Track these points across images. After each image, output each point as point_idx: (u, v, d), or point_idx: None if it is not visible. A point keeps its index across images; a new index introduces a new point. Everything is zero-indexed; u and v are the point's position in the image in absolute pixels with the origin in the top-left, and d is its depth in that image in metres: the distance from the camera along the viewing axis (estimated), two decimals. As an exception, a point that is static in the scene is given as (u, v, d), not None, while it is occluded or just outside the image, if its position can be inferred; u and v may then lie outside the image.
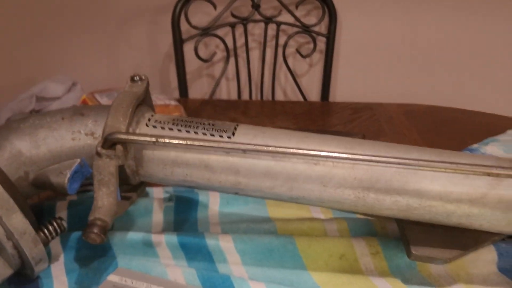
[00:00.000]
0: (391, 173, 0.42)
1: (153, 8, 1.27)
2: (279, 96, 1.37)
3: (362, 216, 0.56)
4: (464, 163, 0.38)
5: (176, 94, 1.28)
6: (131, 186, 0.49)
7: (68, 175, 0.43)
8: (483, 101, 1.29)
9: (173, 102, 0.76)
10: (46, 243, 0.43)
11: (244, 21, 1.20)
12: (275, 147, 0.41)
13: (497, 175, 0.38)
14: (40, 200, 0.59)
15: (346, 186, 0.42)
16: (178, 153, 0.44)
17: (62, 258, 0.49)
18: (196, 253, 0.50)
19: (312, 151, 0.41)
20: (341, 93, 1.36)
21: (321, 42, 1.26)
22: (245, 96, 1.32)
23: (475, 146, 0.79)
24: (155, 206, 0.58)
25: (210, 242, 0.50)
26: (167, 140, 0.41)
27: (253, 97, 1.32)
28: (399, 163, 0.40)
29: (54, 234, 0.44)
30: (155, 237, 0.51)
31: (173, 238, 0.50)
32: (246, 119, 0.95)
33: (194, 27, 1.16)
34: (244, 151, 0.40)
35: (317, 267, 0.49)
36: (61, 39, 1.32)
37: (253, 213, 0.59)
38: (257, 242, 0.50)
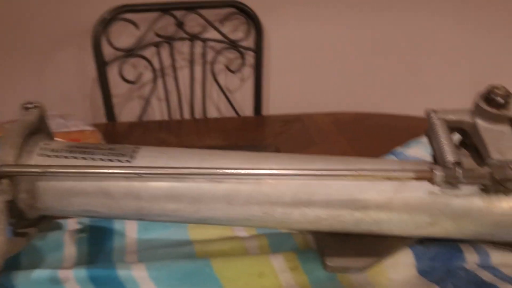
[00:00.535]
0: (297, 185, 0.41)
1: (80, 31, 1.23)
2: (213, 113, 1.36)
3: (284, 230, 0.55)
4: (365, 169, 0.38)
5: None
6: (31, 220, 0.45)
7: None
8: (410, 105, 1.32)
9: (89, 128, 0.73)
10: None
11: (169, 40, 1.19)
12: (174, 168, 0.39)
13: (397, 179, 0.38)
14: None
15: (253, 203, 0.41)
16: (74, 183, 0.41)
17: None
18: (107, 286, 0.47)
19: (213, 169, 0.39)
20: (274, 106, 1.36)
21: (251, 57, 1.26)
22: (176, 115, 1.29)
23: (399, 149, 0.79)
24: (66, 239, 0.54)
25: (121, 272, 0.48)
26: (56, 170, 0.38)
27: (185, 116, 1.29)
28: (301, 175, 0.39)
29: None
30: (62, 273, 0.47)
31: (82, 272, 0.47)
32: (175, 139, 0.93)
33: (117, 49, 1.13)
34: (139, 174, 0.38)
35: (236, 287, 0.48)
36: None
37: (173, 237, 0.56)
38: (172, 268, 0.48)
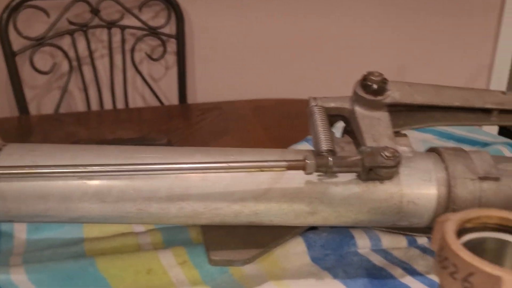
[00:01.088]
0: (171, 179, 0.39)
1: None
2: (138, 103, 1.32)
3: (179, 224, 0.53)
4: (238, 161, 0.37)
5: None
6: None
7: None
8: (330, 91, 1.33)
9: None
10: None
11: (84, 28, 1.14)
12: (39, 166, 0.37)
13: (271, 170, 0.37)
14: None
15: (126, 199, 0.39)
16: None
17: None
18: (-17, 293, 0.44)
19: (81, 166, 0.37)
20: (201, 93, 1.34)
21: (174, 44, 1.23)
22: (96, 106, 1.25)
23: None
24: None
25: (0, 277, 0.45)
26: None
27: (107, 107, 1.25)
28: (175, 169, 0.37)
29: None
30: None
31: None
32: (86, 132, 0.89)
33: (27, 38, 1.08)
34: (-5, 175, 0.36)
35: (124, 286, 0.46)
36: None
37: (66, 235, 0.54)
38: (54, 270, 0.46)
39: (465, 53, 1.41)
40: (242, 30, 1.29)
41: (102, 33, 1.20)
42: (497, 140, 0.79)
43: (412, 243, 0.51)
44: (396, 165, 0.38)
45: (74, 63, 1.18)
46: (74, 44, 1.14)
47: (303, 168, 0.37)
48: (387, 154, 0.38)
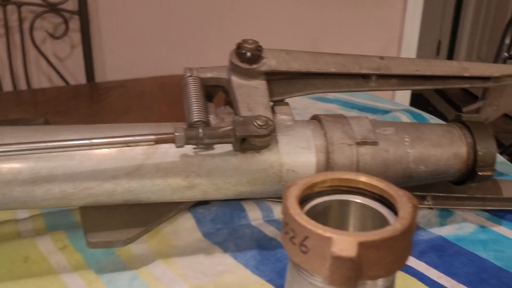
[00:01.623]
0: (34, 160, 0.37)
1: None
2: (44, 83, 1.25)
3: (63, 207, 0.51)
4: (101, 137, 0.35)
5: None
6: None
7: None
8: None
9: None
10: None
11: (-27, 4, 1.05)
12: None
13: (138, 145, 0.35)
14: None
15: (-17, 184, 0.36)
16: None
17: None
18: None
19: None
20: (110, 71, 1.28)
21: (77, 21, 1.17)
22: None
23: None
24: None
25: None
26: None
27: (6, 89, 1.17)
28: (34, 149, 0.34)
29: None
30: None
31: None
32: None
33: None
34: None
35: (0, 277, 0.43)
36: None
37: None
38: None
39: (375, 25, 1.44)
40: (148, 5, 1.24)
41: (-3, 11, 1.12)
42: (397, 107, 0.81)
43: (303, 212, 0.51)
44: (269, 134, 0.37)
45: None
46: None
47: (172, 140, 0.36)
48: (259, 123, 0.37)
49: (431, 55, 3.16)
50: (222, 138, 0.37)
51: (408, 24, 1.44)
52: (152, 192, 0.39)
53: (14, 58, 1.15)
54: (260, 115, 0.37)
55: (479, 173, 0.45)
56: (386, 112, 0.79)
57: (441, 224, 0.50)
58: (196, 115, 0.37)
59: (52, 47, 1.21)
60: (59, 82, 1.25)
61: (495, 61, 0.79)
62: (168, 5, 1.25)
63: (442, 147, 0.44)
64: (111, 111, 0.82)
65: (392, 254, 0.22)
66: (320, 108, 0.83)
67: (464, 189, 0.50)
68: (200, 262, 0.45)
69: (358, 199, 0.26)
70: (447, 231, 0.49)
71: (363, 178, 0.26)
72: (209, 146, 0.39)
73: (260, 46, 0.41)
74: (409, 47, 1.48)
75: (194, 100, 0.38)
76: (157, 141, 0.35)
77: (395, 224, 0.22)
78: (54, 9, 1.12)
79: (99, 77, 1.23)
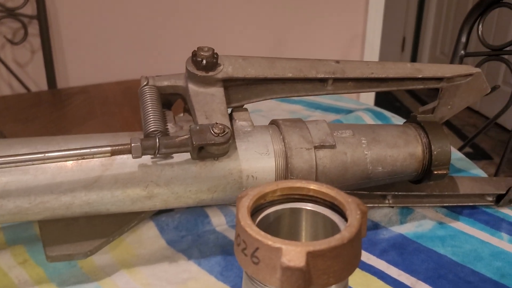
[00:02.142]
0: (-13, 175, 0.36)
1: None
2: (4, 91, 1.22)
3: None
4: (55, 151, 0.34)
5: None
6: None
7: None
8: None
9: None
10: None
11: None
12: None
13: (93, 157, 0.35)
14: None
15: None
16: None
17: None
18: None
19: None
20: (72, 77, 1.26)
21: (37, 26, 1.14)
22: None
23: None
24: None
25: None
26: None
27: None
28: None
29: None
30: None
31: None
32: None
33: None
34: None
35: (-43, 295, 0.42)
36: None
37: None
38: None
39: (338, 24, 1.46)
40: (108, 8, 1.22)
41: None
42: (360, 106, 0.82)
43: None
44: (227, 142, 0.37)
45: None
46: None
47: (129, 151, 0.35)
48: (216, 131, 0.37)
49: (397, 52, 3.22)
50: (179, 148, 0.37)
51: (371, 23, 1.46)
52: (112, 204, 0.39)
53: (-28, 65, 1.12)
54: (217, 123, 0.37)
55: (435, 172, 0.46)
56: (349, 111, 0.80)
57: (402, 222, 0.51)
58: (152, 125, 0.37)
59: (12, 53, 1.19)
60: (20, 89, 1.23)
61: (453, 59, 0.81)
62: (129, 8, 1.24)
63: (398, 147, 0.45)
64: (73, 117, 0.80)
65: (341, 261, 0.22)
66: (285, 109, 0.84)
67: (423, 187, 0.51)
68: (164, 270, 0.45)
69: (309, 206, 0.26)
70: (407, 228, 0.50)
71: (313, 186, 0.26)
72: (168, 155, 0.39)
73: (216, 53, 0.41)
74: (373, 46, 1.50)
75: (151, 109, 0.38)
76: (113, 153, 0.35)
77: (343, 232, 0.22)
78: (12, 14, 1.09)
79: (61, 83, 1.21)
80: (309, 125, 0.44)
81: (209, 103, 0.40)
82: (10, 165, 0.33)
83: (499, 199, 0.52)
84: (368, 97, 1.62)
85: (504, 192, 0.52)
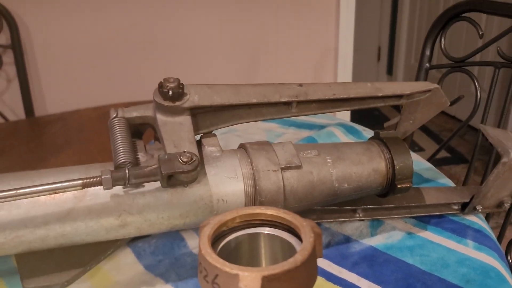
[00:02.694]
0: (-39, 214, 0.37)
1: None
2: (-19, 121, 1.22)
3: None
4: (26, 187, 0.35)
5: None
6: None
7: None
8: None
9: None
10: None
11: None
12: None
13: (64, 191, 0.36)
14: None
15: None
16: None
17: None
18: None
19: None
20: (50, 104, 1.27)
21: (12, 54, 1.15)
22: None
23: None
24: None
25: None
26: None
27: None
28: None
29: None
30: None
31: None
32: None
33: None
34: None
35: None
36: None
37: None
38: None
39: (311, 39, 1.49)
40: (83, 35, 1.24)
41: None
42: (332, 121, 0.84)
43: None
44: (194, 169, 0.39)
45: None
46: None
47: (99, 183, 0.37)
48: (183, 159, 0.38)
49: (373, 61, 3.28)
50: (149, 177, 0.38)
51: (342, 36, 1.50)
52: (86, 234, 0.40)
53: None
54: (184, 151, 0.39)
55: (399, 186, 0.48)
56: (322, 127, 0.82)
57: (372, 235, 0.53)
58: (122, 157, 0.39)
59: (-12, 82, 1.19)
60: (-2, 118, 1.23)
61: (418, 72, 0.84)
62: (104, 33, 1.25)
63: (362, 164, 0.47)
64: (51, 146, 0.81)
65: (296, 283, 0.24)
66: (260, 127, 0.86)
67: (391, 199, 0.54)
68: (142, 296, 0.46)
69: (267, 230, 0.28)
70: (377, 240, 0.52)
71: (271, 211, 0.28)
72: (139, 185, 0.40)
73: (182, 84, 0.42)
74: (345, 58, 1.54)
75: (120, 141, 0.40)
76: (84, 186, 0.36)
77: (297, 256, 0.24)
78: (-14, 44, 1.10)
79: (40, 111, 1.21)
80: (276, 147, 0.46)
81: (177, 131, 0.42)
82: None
83: (464, 207, 0.55)
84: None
85: (468, 200, 0.54)
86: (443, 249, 0.50)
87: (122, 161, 0.38)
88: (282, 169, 0.44)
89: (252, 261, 0.28)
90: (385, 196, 0.51)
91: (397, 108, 0.53)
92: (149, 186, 0.41)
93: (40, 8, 1.16)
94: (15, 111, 1.23)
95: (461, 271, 0.47)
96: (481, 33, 0.76)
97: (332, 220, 0.53)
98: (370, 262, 0.49)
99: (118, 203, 0.40)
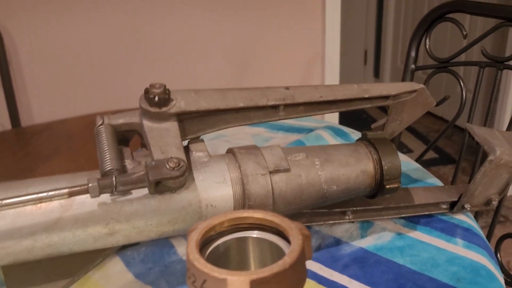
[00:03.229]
0: None
1: None
2: (-33, 133, 1.21)
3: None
4: (11, 197, 0.35)
5: None
6: None
7: None
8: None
9: None
10: None
11: None
12: None
13: (50, 200, 0.36)
14: None
15: None
16: None
17: None
18: None
19: None
20: (37, 114, 1.26)
21: (-3, 65, 1.14)
22: None
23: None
24: None
25: None
26: None
27: None
28: None
29: None
30: None
31: None
32: None
33: None
34: None
35: None
36: None
37: None
38: None
39: (298, 44, 1.49)
40: (69, 43, 1.23)
41: None
42: (320, 124, 0.85)
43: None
44: (182, 175, 0.38)
45: None
46: None
47: (86, 192, 0.36)
48: (171, 165, 0.38)
49: (359, 65, 3.30)
50: (136, 184, 0.38)
51: (329, 40, 1.50)
52: (74, 243, 0.40)
53: None
54: (171, 157, 0.39)
55: (387, 186, 0.48)
56: (310, 130, 0.82)
57: (362, 236, 0.53)
58: (109, 164, 0.38)
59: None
60: (-16, 129, 1.22)
61: (404, 73, 0.85)
62: (90, 41, 1.25)
63: (350, 165, 0.47)
64: (38, 156, 0.80)
65: (284, 286, 0.24)
66: (248, 132, 0.86)
67: (380, 200, 0.54)
68: (132, 304, 0.45)
69: (256, 234, 0.28)
70: (368, 242, 0.52)
71: (258, 215, 0.27)
72: (126, 192, 0.40)
73: (168, 89, 0.42)
74: (332, 62, 1.54)
75: (106, 148, 0.39)
76: (71, 194, 0.36)
77: (285, 258, 0.24)
78: (-30, 56, 1.09)
79: (26, 121, 1.20)
80: (264, 151, 0.45)
81: (164, 137, 0.41)
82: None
83: (452, 206, 0.55)
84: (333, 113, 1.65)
85: (457, 199, 0.54)
86: (433, 249, 0.50)
87: (108, 168, 0.38)
88: (271, 172, 0.44)
89: (241, 265, 0.28)
90: (374, 197, 0.51)
91: (385, 111, 0.53)
92: (137, 193, 0.40)
93: (24, 17, 1.15)
94: (1, 122, 1.22)
95: (451, 270, 0.47)
96: (465, 33, 0.77)
97: (322, 223, 0.53)
98: (361, 264, 0.49)
99: (106, 211, 0.39)
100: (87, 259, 0.44)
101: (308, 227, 0.54)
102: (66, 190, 0.36)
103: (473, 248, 0.50)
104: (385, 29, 3.08)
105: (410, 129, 2.51)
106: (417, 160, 0.84)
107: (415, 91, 0.52)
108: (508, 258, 1.44)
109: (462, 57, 0.81)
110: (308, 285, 0.46)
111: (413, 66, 0.84)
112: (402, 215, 0.55)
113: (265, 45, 1.44)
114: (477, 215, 0.83)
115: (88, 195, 0.37)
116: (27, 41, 1.18)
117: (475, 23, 2.09)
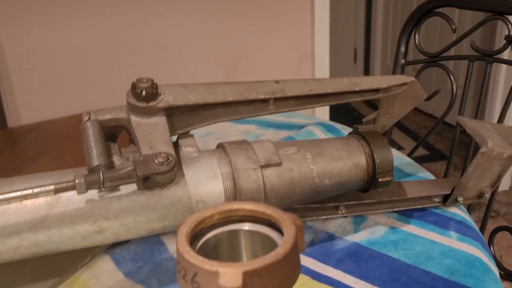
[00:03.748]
0: None
1: None
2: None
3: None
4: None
5: None
6: None
7: None
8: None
9: None
10: None
11: None
12: None
13: (36, 197, 0.35)
14: None
15: None
16: None
17: None
18: None
19: None
20: (24, 115, 1.24)
21: (-18, 66, 1.13)
22: None
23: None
24: None
25: None
26: None
27: None
28: None
29: None
30: None
31: None
32: None
33: None
34: None
35: None
36: None
37: None
38: None
39: (288, 43, 1.49)
40: (55, 44, 1.22)
41: None
42: (311, 121, 0.84)
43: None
44: (171, 170, 0.38)
45: None
46: None
47: (73, 188, 0.35)
48: (160, 160, 0.37)
49: (349, 63, 3.30)
50: (124, 179, 0.37)
51: (318, 39, 1.50)
52: (61, 242, 0.39)
53: None
54: (160, 152, 0.38)
55: (380, 180, 0.48)
56: (301, 127, 0.81)
57: (356, 231, 0.52)
58: (96, 160, 0.37)
59: (-42, 95, 1.16)
60: (-30, 131, 1.20)
61: (394, 68, 0.84)
62: (77, 41, 1.23)
63: (342, 159, 0.47)
64: (25, 156, 0.79)
65: (278, 278, 0.23)
66: (239, 130, 0.85)
67: (373, 194, 0.53)
68: (122, 303, 0.44)
69: (247, 226, 0.27)
70: (361, 236, 0.51)
71: (250, 206, 0.27)
72: (115, 188, 0.39)
73: (155, 84, 0.41)
74: (322, 61, 1.54)
75: (93, 144, 0.39)
76: (57, 191, 0.35)
77: (278, 249, 0.23)
78: (-45, 57, 1.07)
79: (13, 122, 1.19)
80: (254, 145, 0.45)
81: (152, 132, 0.40)
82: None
83: (445, 199, 0.55)
84: (323, 110, 1.65)
85: (449, 192, 0.54)
86: (427, 242, 0.50)
87: (96, 164, 0.37)
88: (262, 167, 0.43)
89: (233, 259, 0.27)
90: (367, 191, 0.51)
91: (376, 108, 0.52)
92: (125, 189, 0.39)
93: (10, 18, 1.14)
94: (-12, 124, 1.21)
95: (445, 262, 0.47)
96: (454, 27, 0.77)
97: (314, 218, 0.52)
98: (355, 259, 0.48)
99: (94, 208, 0.39)
100: (76, 258, 0.43)
101: (301, 223, 0.53)
102: (52, 187, 0.35)
103: (467, 241, 0.50)
104: (374, 27, 3.09)
105: (401, 127, 2.52)
106: (408, 157, 0.84)
107: (405, 83, 0.52)
108: (500, 252, 1.45)
109: (452, 52, 0.81)
110: (302, 280, 0.45)
111: (403, 61, 0.84)
112: (395, 209, 0.54)
113: (255, 45, 1.44)
114: (469, 210, 0.83)
115: (75, 192, 0.37)
116: (13, 41, 1.16)
117: (464, 17, 2.10)
